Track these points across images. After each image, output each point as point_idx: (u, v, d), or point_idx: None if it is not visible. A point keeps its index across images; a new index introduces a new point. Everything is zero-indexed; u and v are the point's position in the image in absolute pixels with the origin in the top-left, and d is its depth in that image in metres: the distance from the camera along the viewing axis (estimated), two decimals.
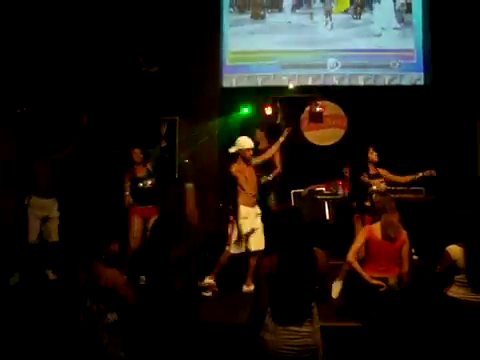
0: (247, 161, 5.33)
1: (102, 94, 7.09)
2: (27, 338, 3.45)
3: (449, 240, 3.97)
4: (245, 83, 7.46)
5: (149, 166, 5.77)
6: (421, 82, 7.36)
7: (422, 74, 7.36)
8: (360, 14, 7.47)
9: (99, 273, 3.04)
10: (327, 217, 6.75)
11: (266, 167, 6.25)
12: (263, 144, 6.53)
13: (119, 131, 7.07)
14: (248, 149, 5.31)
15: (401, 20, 7.44)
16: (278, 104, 7.38)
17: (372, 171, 5.56)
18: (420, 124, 7.04)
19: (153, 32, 7.20)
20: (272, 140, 6.44)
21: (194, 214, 6.25)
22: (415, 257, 5.14)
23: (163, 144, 6.75)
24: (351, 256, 4.24)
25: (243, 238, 5.23)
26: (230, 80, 7.50)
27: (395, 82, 7.40)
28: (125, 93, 7.13)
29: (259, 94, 7.40)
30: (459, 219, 4.02)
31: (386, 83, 7.41)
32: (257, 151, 6.55)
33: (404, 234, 4.32)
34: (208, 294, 5.15)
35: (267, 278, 2.87)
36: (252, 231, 5.26)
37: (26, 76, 6.62)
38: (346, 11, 7.51)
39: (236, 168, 5.30)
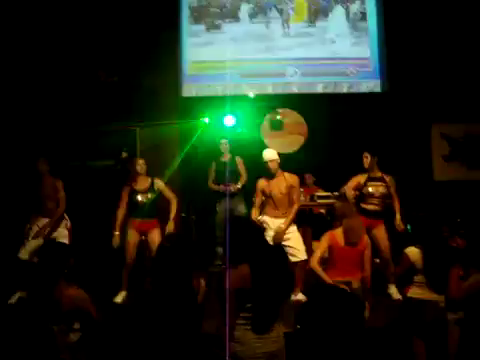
0: (271, 174, 5.26)
1: (61, 106, 6.96)
2: None
3: (407, 242, 4.07)
4: (205, 92, 7.49)
5: (157, 181, 5.42)
6: (378, 89, 7.54)
7: (379, 81, 7.55)
8: (315, 22, 7.62)
9: (61, 293, 2.97)
10: None
11: (234, 176, 6.40)
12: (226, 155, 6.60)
13: (78, 142, 6.96)
14: (270, 160, 5.24)
15: (355, 28, 7.63)
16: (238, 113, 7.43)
17: (374, 174, 5.37)
18: (378, 130, 7.20)
19: (112, 42, 7.14)
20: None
21: None
22: (376, 260, 5.23)
23: (124, 155, 6.70)
24: (314, 262, 4.29)
25: None
26: (190, 89, 7.51)
27: (353, 90, 7.56)
28: (84, 104, 7.02)
29: (220, 103, 7.42)
30: (416, 222, 4.13)
31: (344, 91, 7.56)
32: (222, 163, 6.56)
33: (366, 238, 4.41)
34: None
35: (237, 291, 2.86)
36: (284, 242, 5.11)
37: None
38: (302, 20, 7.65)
39: (261, 186, 5.28)
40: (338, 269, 4.30)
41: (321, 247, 4.38)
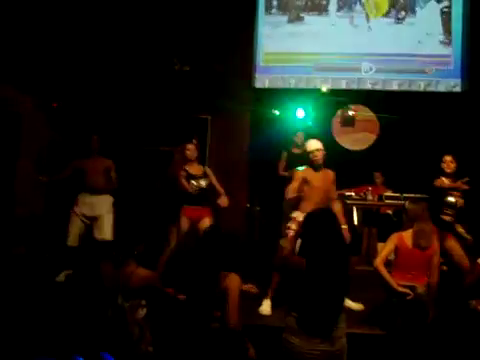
0: (315, 165, 4.88)
1: (134, 92, 7.18)
2: (59, 332, 3.51)
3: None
4: (278, 84, 7.46)
5: (207, 168, 5.42)
6: (458, 89, 7.22)
7: (459, 81, 7.22)
8: (403, 19, 7.37)
9: (131, 272, 3.11)
10: (355, 222, 6.71)
11: None
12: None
13: (152, 129, 7.17)
14: (317, 150, 4.87)
15: (442, 25, 7.30)
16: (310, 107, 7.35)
17: (450, 182, 5.02)
18: (455, 132, 6.91)
19: (186, 31, 7.24)
20: None
21: None
22: (444, 267, 5.03)
23: (194, 143, 6.80)
24: (379, 262, 4.20)
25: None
26: (263, 81, 7.51)
27: (430, 88, 7.28)
28: (157, 91, 7.20)
29: (292, 96, 7.39)
30: None
31: (421, 89, 7.30)
32: (294, 154, 6.41)
33: (435, 244, 4.26)
34: None
35: (293, 272, 2.86)
36: None
37: (63, 72, 6.77)
38: (387, 15, 7.41)
39: (303, 175, 4.85)
40: (403, 272, 4.18)
41: (387, 248, 4.27)
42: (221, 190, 5.35)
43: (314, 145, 4.94)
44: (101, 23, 6.99)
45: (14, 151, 6.36)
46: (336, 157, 7.08)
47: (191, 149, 5.34)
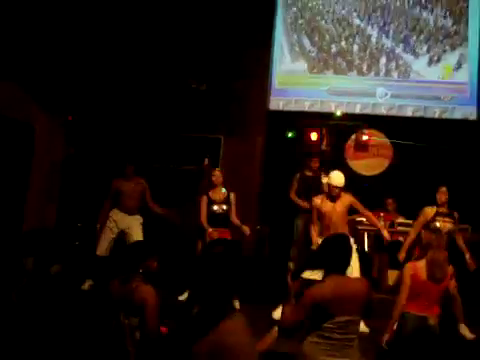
0: (332, 197, 5.10)
1: (149, 110, 7.21)
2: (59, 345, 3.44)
3: None
4: (292, 107, 7.47)
5: (232, 194, 5.52)
6: (474, 117, 7.16)
7: (475, 108, 7.17)
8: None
9: (135, 287, 3.02)
10: (366, 248, 6.60)
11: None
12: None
13: (163, 148, 7.18)
14: (337, 187, 5.04)
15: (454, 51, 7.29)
16: (324, 130, 7.32)
17: (442, 209, 5.24)
18: (470, 160, 6.83)
19: (203, 51, 7.30)
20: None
21: None
22: None
23: (206, 162, 6.80)
24: (404, 300, 4.04)
25: None
26: (277, 103, 7.52)
27: (446, 115, 7.23)
28: (171, 111, 7.22)
29: (306, 119, 7.37)
30: None
31: (436, 116, 7.25)
32: (307, 177, 6.29)
33: (450, 271, 4.12)
34: None
35: (315, 306, 2.79)
36: None
37: (80, 86, 6.83)
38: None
39: (315, 202, 5.17)
40: (415, 303, 4.04)
41: (405, 285, 4.05)
42: (236, 221, 5.48)
43: (336, 180, 5.07)
44: (119, 40, 7.06)
45: (26, 164, 6.39)
46: (348, 182, 7.06)
47: (216, 175, 5.50)
